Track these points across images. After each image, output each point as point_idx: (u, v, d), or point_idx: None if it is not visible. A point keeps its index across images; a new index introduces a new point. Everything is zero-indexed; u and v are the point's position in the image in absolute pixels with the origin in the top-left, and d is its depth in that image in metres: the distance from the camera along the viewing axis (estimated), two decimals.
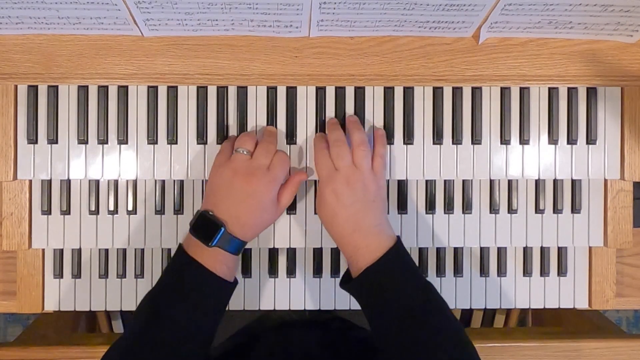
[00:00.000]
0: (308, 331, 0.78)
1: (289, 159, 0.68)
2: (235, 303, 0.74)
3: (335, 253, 0.75)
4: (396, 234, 0.64)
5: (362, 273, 0.60)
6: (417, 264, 0.75)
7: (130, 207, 0.73)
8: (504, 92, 0.72)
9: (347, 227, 0.63)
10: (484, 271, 0.76)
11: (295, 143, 0.72)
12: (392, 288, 0.60)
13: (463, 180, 0.74)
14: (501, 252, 0.76)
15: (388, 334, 0.59)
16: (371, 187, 0.64)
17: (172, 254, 0.65)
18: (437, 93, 0.72)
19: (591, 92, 0.73)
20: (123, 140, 0.71)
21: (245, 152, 0.64)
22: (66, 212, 0.72)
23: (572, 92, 0.73)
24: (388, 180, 0.73)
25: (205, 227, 0.62)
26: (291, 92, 0.72)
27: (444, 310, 0.60)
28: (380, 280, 0.60)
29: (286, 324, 0.81)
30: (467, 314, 1.28)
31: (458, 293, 0.76)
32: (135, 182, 0.73)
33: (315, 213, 0.73)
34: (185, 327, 0.59)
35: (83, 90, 0.71)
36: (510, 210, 0.74)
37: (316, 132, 0.72)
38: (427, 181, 0.74)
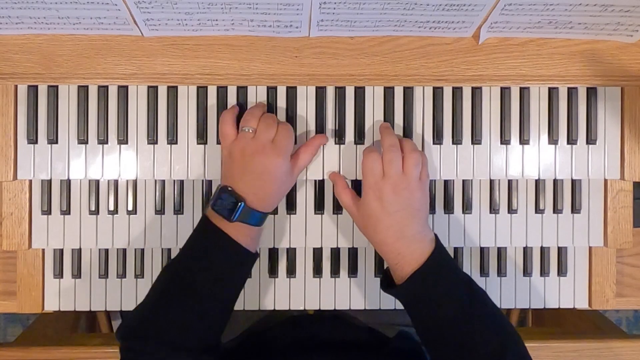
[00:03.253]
0: (318, 326, 0.78)
1: (292, 128, 0.68)
2: (236, 303, 0.74)
3: (335, 253, 0.75)
4: (434, 235, 0.64)
5: (409, 279, 0.61)
6: None
7: (130, 207, 0.73)
8: (504, 92, 0.72)
9: (390, 235, 0.63)
10: (484, 271, 0.76)
11: (295, 143, 0.71)
12: (439, 290, 0.61)
13: (463, 180, 0.74)
14: (501, 252, 0.76)
15: (441, 332, 0.60)
16: (417, 196, 0.64)
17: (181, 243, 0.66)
18: (437, 93, 0.72)
19: (591, 92, 0.73)
20: (123, 140, 0.71)
21: (249, 130, 0.65)
22: (66, 212, 0.72)
23: (572, 92, 0.73)
24: None
25: (225, 201, 0.62)
26: (291, 92, 0.72)
27: (485, 299, 0.63)
28: (428, 284, 0.61)
29: (295, 319, 0.81)
30: None
31: None
32: (135, 182, 0.73)
33: (315, 213, 0.73)
34: (207, 291, 0.60)
35: (83, 90, 0.71)
36: (510, 210, 0.74)
37: (316, 132, 0.72)
38: None
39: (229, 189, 0.63)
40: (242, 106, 0.71)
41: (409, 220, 0.63)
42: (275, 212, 0.73)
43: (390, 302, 0.74)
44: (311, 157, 0.69)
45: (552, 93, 0.73)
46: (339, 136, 0.72)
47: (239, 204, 0.62)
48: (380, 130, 0.69)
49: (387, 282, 0.66)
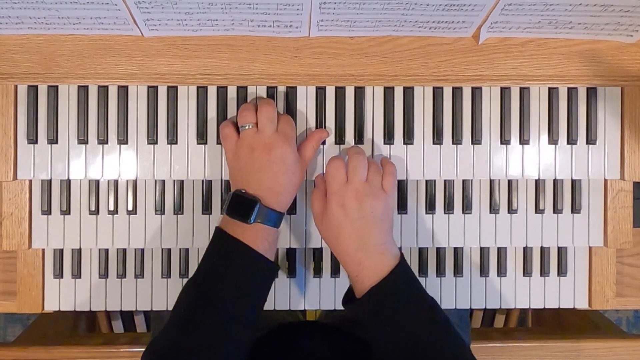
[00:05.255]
0: (311, 334, 0.78)
1: (291, 117, 0.68)
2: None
3: None
4: (400, 251, 0.63)
5: (367, 293, 0.59)
6: (417, 264, 0.75)
7: (130, 207, 0.73)
8: (504, 92, 0.72)
9: (351, 244, 0.62)
10: (484, 271, 0.76)
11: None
12: (397, 307, 0.59)
13: (463, 180, 0.74)
14: (501, 252, 0.76)
15: (391, 354, 0.58)
16: (380, 205, 0.63)
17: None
18: (437, 93, 0.72)
19: (591, 92, 0.73)
20: (123, 140, 0.71)
21: (250, 127, 0.64)
22: (66, 212, 0.72)
23: (572, 92, 0.73)
24: None
25: (241, 205, 0.62)
26: (291, 92, 0.72)
27: (448, 329, 0.60)
28: (385, 301, 0.59)
29: (288, 326, 0.81)
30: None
31: (458, 293, 0.76)
32: (135, 182, 0.73)
33: None
34: (232, 307, 0.59)
35: (83, 90, 0.71)
36: (510, 210, 0.74)
37: None
38: (427, 181, 0.74)
39: (242, 191, 0.63)
40: None
41: (371, 229, 0.62)
42: None
43: None
44: (314, 151, 0.69)
45: (552, 93, 0.73)
46: (339, 136, 0.72)
47: (256, 204, 0.61)
48: (348, 149, 0.69)
49: (347, 298, 0.65)
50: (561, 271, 0.75)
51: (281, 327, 0.79)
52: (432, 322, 0.59)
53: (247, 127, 0.65)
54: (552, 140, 0.73)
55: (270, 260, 0.63)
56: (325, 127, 0.72)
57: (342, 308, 0.75)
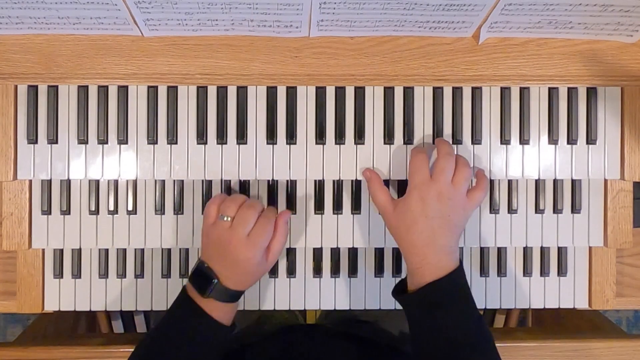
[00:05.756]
0: (309, 336, 0.78)
1: (272, 220, 0.65)
2: None
3: (335, 253, 0.75)
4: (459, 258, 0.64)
5: (427, 285, 0.60)
6: None
7: (130, 207, 0.73)
8: (504, 92, 0.72)
9: (422, 238, 0.62)
10: (484, 271, 0.76)
11: (295, 143, 0.72)
12: (452, 308, 0.60)
13: None
14: (501, 252, 0.76)
15: (435, 354, 0.59)
16: (459, 211, 0.64)
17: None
18: (437, 93, 0.72)
19: (591, 92, 0.73)
20: (123, 140, 0.71)
21: (227, 219, 0.64)
22: (66, 212, 0.72)
23: (572, 92, 0.73)
24: (388, 180, 0.73)
25: (200, 277, 0.63)
26: (291, 92, 0.72)
27: (494, 346, 0.61)
28: (443, 297, 0.60)
29: (285, 329, 0.81)
30: None
31: None
32: (135, 182, 0.73)
33: (315, 213, 0.73)
34: None
35: (83, 90, 0.71)
36: (510, 210, 0.74)
37: (316, 132, 0.72)
38: None
39: (206, 265, 0.63)
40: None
41: (444, 230, 0.62)
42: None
43: (390, 303, 0.73)
44: (283, 245, 0.67)
45: (552, 93, 0.73)
46: (339, 136, 0.72)
47: (214, 280, 0.62)
48: (437, 140, 0.69)
49: (398, 290, 0.66)
50: (561, 271, 0.75)
51: (281, 331, 0.79)
52: (481, 329, 0.60)
53: (224, 219, 0.64)
54: (552, 140, 0.73)
55: (224, 325, 0.63)
56: (325, 127, 0.72)
57: (342, 308, 0.75)
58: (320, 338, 0.77)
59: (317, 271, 0.75)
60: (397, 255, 0.75)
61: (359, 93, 0.72)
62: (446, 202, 0.63)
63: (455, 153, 0.72)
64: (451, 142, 0.72)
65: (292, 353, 0.72)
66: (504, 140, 0.72)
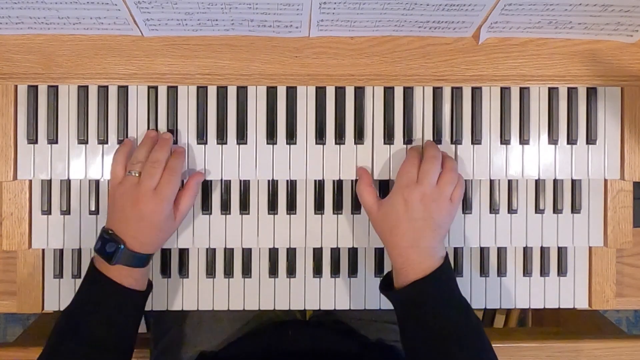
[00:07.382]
0: (303, 333, 0.78)
1: (179, 171, 0.65)
2: (236, 303, 0.74)
3: (335, 253, 0.75)
4: (445, 252, 0.65)
5: (411, 284, 0.61)
6: None
7: None
8: (504, 92, 0.72)
9: (405, 240, 0.63)
10: (484, 271, 0.76)
11: (295, 143, 0.72)
12: (436, 305, 0.61)
13: None
14: (501, 252, 0.76)
15: (422, 349, 0.60)
16: (442, 213, 0.64)
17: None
18: (437, 93, 0.72)
19: (591, 92, 0.73)
20: (123, 140, 0.71)
21: (135, 174, 0.63)
22: (66, 212, 0.72)
23: (572, 92, 0.73)
24: (388, 180, 0.73)
25: (106, 244, 0.62)
26: (291, 92, 0.72)
27: (480, 333, 0.61)
28: (426, 296, 0.61)
29: (281, 325, 0.81)
30: None
31: None
32: None
33: (315, 213, 0.73)
34: (100, 338, 0.60)
35: (83, 90, 0.71)
36: (510, 210, 0.74)
37: (316, 132, 0.72)
38: None
39: (110, 231, 0.63)
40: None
41: (426, 232, 0.63)
42: (275, 212, 0.73)
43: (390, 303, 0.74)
44: (192, 200, 0.67)
45: (552, 93, 0.73)
46: (339, 136, 0.72)
47: (119, 246, 0.61)
48: (425, 143, 0.70)
49: (385, 285, 0.66)
50: (561, 271, 0.75)
51: (272, 326, 0.79)
52: (466, 320, 0.61)
53: (132, 174, 0.63)
54: (552, 140, 0.73)
55: (135, 290, 0.63)
56: (325, 127, 0.72)
57: (342, 308, 0.75)
58: (310, 333, 0.77)
59: (317, 271, 0.75)
60: None
61: (359, 93, 0.72)
62: (429, 204, 0.63)
63: (452, 155, 0.72)
64: (451, 142, 0.72)
65: (281, 346, 0.72)
66: (504, 140, 0.72)
